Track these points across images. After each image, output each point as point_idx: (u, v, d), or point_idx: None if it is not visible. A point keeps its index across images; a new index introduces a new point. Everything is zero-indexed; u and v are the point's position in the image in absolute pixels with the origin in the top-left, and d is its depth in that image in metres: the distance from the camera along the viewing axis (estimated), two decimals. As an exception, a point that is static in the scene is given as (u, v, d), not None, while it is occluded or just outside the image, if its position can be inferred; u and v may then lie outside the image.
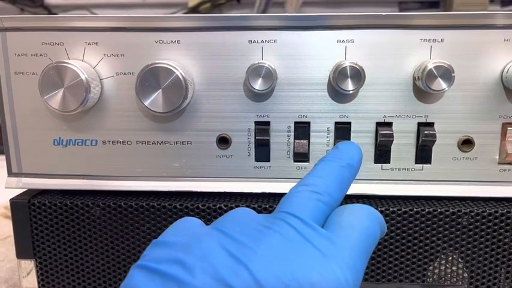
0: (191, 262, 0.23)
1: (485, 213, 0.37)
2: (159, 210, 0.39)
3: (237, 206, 0.38)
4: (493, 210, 0.37)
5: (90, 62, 0.38)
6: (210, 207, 0.38)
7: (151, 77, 0.35)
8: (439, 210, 0.37)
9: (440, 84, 0.34)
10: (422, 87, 0.35)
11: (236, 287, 0.22)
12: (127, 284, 0.24)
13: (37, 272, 0.41)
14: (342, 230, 0.26)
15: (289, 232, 0.25)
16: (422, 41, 0.36)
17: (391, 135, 0.37)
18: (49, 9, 0.99)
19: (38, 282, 0.41)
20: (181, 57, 0.37)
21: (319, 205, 0.27)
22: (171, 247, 0.25)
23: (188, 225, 0.28)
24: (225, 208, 0.38)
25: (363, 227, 0.27)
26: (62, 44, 0.37)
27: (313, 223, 0.26)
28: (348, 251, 0.25)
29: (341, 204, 0.29)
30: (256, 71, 0.35)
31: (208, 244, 0.25)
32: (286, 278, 0.23)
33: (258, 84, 0.35)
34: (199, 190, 0.39)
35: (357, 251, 0.26)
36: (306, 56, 0.37)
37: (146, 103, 0.35)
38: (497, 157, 0.37)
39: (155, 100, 0.35)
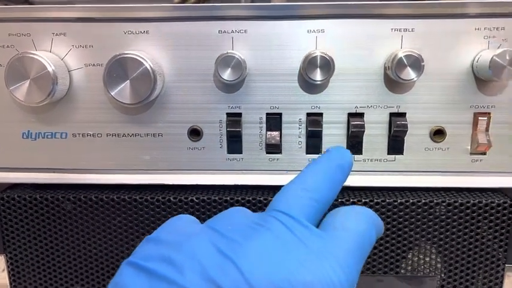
0: (180, 261, 0.23)
1: (457, 203, 0.37)
2: (130, 204, 0.38)
3: (208, 199, 0.38)
4: (465, 200, 0.37)
5: (58, 53, 0.37)
6: (181, 199, 0.38)
7: (119, 68, 0.34)
8: (411, 200, 0.37)
9: (410, 73, 0.34)
10: (392, 76, 0.34)
11: (225, 286, 0.22)
12: (116, 281, 0.24)
13: (8, 267, 0.40)
14: (335, 230, 0.26)
15: (281, 230, 0.25)
16: (393, 30, 0.35)
17: (363, 126, 0.36)
18: (33, 4, 0.98)
19: (9, 278, 0.41)
20: (150, 48, 0.37)
21: (312, 203, 0.27)
22: (161, 244, 0.25)
23: (182, 223, 0.28)
24: (196, 201, 0.38)
25: (359, 230, 0.27)
26: (29, 35, 0.37)
27: (306, 221, 0.26)
28: (342, 251, 0.25)
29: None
30: (224, 61, 0.34)
31: (199, 242, 0.24)
32: (277, 277, 0.22)
33: (227, 75, 0.34)
34: (170, 183, 0.39)
35: (351, 253, 0.25)
36: (277, 47, 0.36)
37: (113, 93, 0.34)
38: (469, 147, 0.37)
39: (122, 91, 0.34)
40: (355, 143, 0.37)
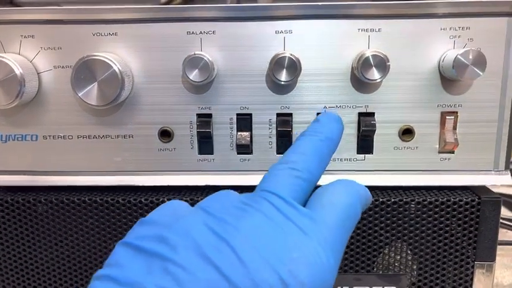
0: (174, 239, 0.23)
1: (426, 202, 0.37)
2: (102, 205, 0.38)
3: (180, 200, 0.38)
4: (434, 198, 0.37)
5: (27, 56, 0.37)
6: (153, 201, 0.38)
7: (86, 70, 0.34)
8: (381, 200, 0.37)
9: (375, 73, 0.34)
10: (359, 76, 0.35)
11: (219, 263, 0.22)
12: (110, 260, 0.24)
13: (-20, 270, 0.40)
14: (322, 208, 0.27)
15: (270, 210, 0.25)
16: (360, 30, 0.36)
17: (331, 126, 0.36)
18: (18, 6, 0.98)
19: (-18, 281, 0.41)
20: (119, 50, 0.37)
21: (299, 182, 0.28)
22: (155, 225, 0.25)
23: (174, 207, 0.28)
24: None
25: (344, 204, 0.27)
26: (-3, 37, 0.37)
27: (294, 201, 0.26)
28: (329, 228, 0.25)
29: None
30: (192, 62, 0.34)
31: (191, 222, 0.25)
32: (268, 255, 0.23)
33: (194, 76, 0.34)
34: (142, 184, 0.39)
35: (338, 229, 0.26)
36: (246, 47, 0.36)
37: (80, 94, 0.34)
38: (438, 146, 0.37)
39: (90, 92, 0.34)
40: (324, 142, 0.37)
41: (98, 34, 0.36)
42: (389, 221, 0.38)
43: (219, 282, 0.22)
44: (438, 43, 0.36)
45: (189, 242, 0.23)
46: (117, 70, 0.34)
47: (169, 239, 0.24)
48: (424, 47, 0.36)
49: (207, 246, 0.23)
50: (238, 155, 0.38)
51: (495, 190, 0.39)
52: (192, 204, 0.28)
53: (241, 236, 0.24)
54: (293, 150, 0.30)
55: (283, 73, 0.34)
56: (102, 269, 0.24)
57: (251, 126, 0.38)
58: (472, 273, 0.38)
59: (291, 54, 0.34)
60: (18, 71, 0.35)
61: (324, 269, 0.24)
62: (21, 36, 0.37)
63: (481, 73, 0.33)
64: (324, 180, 0.38)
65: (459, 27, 0.35)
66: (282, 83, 0.34)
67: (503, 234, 0.60)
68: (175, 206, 0.28)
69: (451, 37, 0.35)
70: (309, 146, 0.30)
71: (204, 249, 0.23)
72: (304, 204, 0.27)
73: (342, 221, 0.26)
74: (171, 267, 0.22)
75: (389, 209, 0.37)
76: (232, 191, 0.29)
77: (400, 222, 0.38)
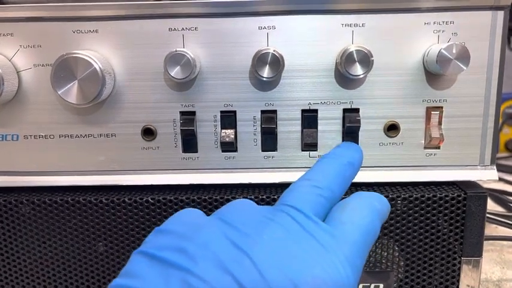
0: (193, 250, 0.23)
1: (412, 198, 0.37)
2: (85, 205, 0.38)
3: (164, 199, 0.37)
4: (420, 194, 0.37)
5: (6, 54, 0.36)
6: (136, 200, 0.37)
7: (66, 68, 0.34)
8: (367, 196, 0.37)
9: (358, 69, 0.34)
10: (342, 72, 0.34)
11: (239, 276, 0.22)
12: (127, 270, 0.24)
13: (-38, 273, 0.40)
14: (343, 225, 0.26)
15: (291, 225, 0.25)
16: (344, 26, 0.35)
17: (316, 122, 0.36)
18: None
19: (-35, 284, 0.40)
20: (100, 47, 0.36)
21: (321, 200, 0.27)
22: (173, 235, 0.25)
23: (190, 216, 0.28)
24: (152, 201, 0.37)
25: (364, 222, 0.27)
26: (-25, 35, 0.36)
27: (315, 217, 0.26)
28: (349, 246, 0.25)
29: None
30: (173, 59, 0.34)
31: (211, 233, 0.24)
32: (289, 270, 0.23)
33: (176, 73, 0.34)
34: (125, 184, 0.38)
35: (358, 247, 0.26)
36: (229, 44, 0.36)
37: (60, 92, 0.34)
38: (423, 141, 0.37)
39: (70, 91, 0.34)
40: (308, 139, 0.37)
41: (79, 31, 0.36)
42: (376, 218, 0.37)
43: None
44: (422, 38, 0.35)
45: (209, 254, 0.23)
46: (97, 68, 0.34)
47: (189, 250, 0.23)
48: (408, 41, 0.35)
49: (227, 259, 0.23)
50: (223, 153, 0.38)
51: (485, 186, 0.39)
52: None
53: (262, 249, 0.23)
54: (315, 170, 0.29)
55: (266, 69, 0.34)
56: (120, 278, 0.23)
57: (235, 123, 0.37)
58: (459, 268, 0.38)
59: (274, 50, 0.34)
60: (-4, 69, 0.34)
61: (344, 286, 0.24)
62: (0, 34, 0.36)
63: (465, 67, 0.33)
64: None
65: (443, 22, 0.35)
66: (265, 79, 0.34)
67: (493, 230, 0.60)
68: (192, 215, 0.28)
69: (435, 31, 0.35)
70: (331, 167, 0.29)
71: (224, 261, 0.22)
72: (324, 220, 0.27)
73: (362, 238, 0.26)
74: (190, 279, 0.22)
75: (375, 205, 0.37)
76: (249, 201, 0.29)
77: (387, 218, 0.37)
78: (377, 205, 0.29)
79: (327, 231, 0.25)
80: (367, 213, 0.28)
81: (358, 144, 0.37)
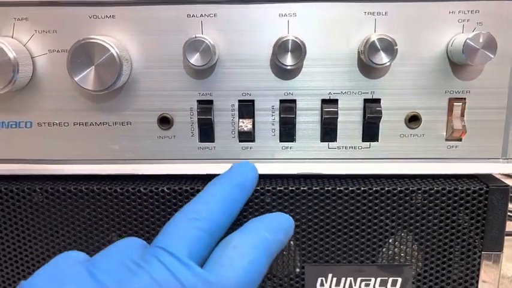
0: None
1: (432, 191, 0.36)
2: (99, 195, 0.37)
3: (180, 189, 0.37)
4: (441, 187, 0.36)
5: (20, 39, 0.35)
6: (152, 190, 0.37)
7: (83, 53, 0.33)
8: (387, 188, 0.36)
9: (383, 57, 0.33)
10: (365, 61, 0.34)
11: None
12: None
13: (-27, 262, 0.39)
14: (221, 269, 0.25)
15: (160, 272, 0.24)
16: (367, 14, 0.35)
17: (336, 113, 0.35)
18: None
19: (-24, 273, 0.40)
20: (117, 33, 0.35)
21: (200, 235, 0.26)
22: None
23: (65, 264, 0.26)
24: (167, 191, 0.37)
25: (245, 263, 0.26)
26: (-11, 20, 0.35)
27: (189, 261, 0.25)
28: None
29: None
30: (193, 45, 0.33)
31: None
32: None
33: (195, 60, 0.33)
34: (140, 173, 0.37)
35: None
36: (248, 31, 0.35)
37: (77, 79, 0.33)
38: (445, 133, 0.36)
39: (87, 77, 0.33)
40: (329, 130, 0.36)
41: (95, 17, 0.35)
42: (396, 210, 0.37)
43: None
44: (446, 27, 0.35)
45: None
46: (115, 54, 0.33)
47: None
48: (432, 31, 0.35)
49: None
50: (240, 143, 0.37)
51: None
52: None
53: None
54: (198, 200, 0.28)
55: (288, 57, 0.33)
56: None
57: (253, 113, 0.37)
58: (479, 263, 0.38)
59: (296, 37, 0.33)
60: (11, 54, 0.33)
61: None
62: (14, 18, 0.35)
63: (492, 56, 0.32)
64: (330, 168, 0.37)
65: (468, 11, 0.34)
66: (288, 67, 0.33)
67: (507, 225, 0.59)
68: (67, 263, 0.27)
69: (460, 21, 0.34)
70: (217, 193, 0.28)
71: None
72: (206, 257, 0.26)
73: (243, 280, 0.25)
74: None
75: (395, 198, 0.36)
76: (136, 240, 0.28)
77: (406, 211, 0.37)
78: (267, 236, 0.28)
79: (201, 278, 0.24)
80: (250, 251, 0.27)
81: (378, 136, 0.37)
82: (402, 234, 0.38)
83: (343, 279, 0.38)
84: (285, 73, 0.36)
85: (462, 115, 0.36)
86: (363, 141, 0.37)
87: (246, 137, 0.37)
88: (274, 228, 0.29)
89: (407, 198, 0.36)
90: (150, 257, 0.25)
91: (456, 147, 0.37)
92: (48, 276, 0.26)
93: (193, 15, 0.35)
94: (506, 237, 0.55)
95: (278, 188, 0.36)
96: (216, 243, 0.28)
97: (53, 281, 0.25)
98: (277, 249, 0.29)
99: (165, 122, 0.37)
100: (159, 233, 0.27)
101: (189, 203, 0.28)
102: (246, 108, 0.36)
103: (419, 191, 0.36)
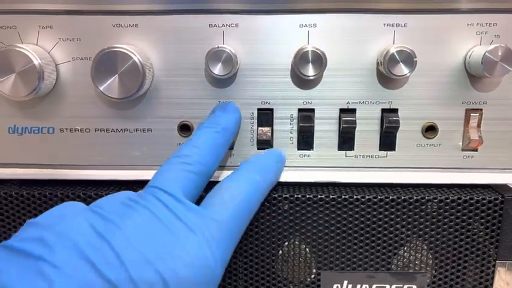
0: (52, 239, 0.23)
1: (448, 200, 0.37)
2: (119, 200, 0.38)
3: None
4: (456, 197, 0.37)
5: (44, 47, 0.36)
6: (171, 196, 0.37)
7: (107, 62, 0.34)
8: (403, 197, 0.37)
9: (402, 69, 0.33)
10: (385, 72, 0.34)
11: (97, 262, 0.22)
12: None
13: (-6, 264, 0.40)
14: (213, 206, 0.27)
15: (157, 207, 0.26)
16: (386, 25, 0.35)
17: (354, 122, 0.36)
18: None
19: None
20: (139, 42, 0.36)
21: (191, 176, 0.28)
22: (37, 227, 0.25)
23: (64, 208, 0.28)
24: (187, 197, 0.37)
25: (236, 201, 0.28)
26: (14, 27, 0.36)
27: (183, 198, 0.27)
28: (218, 225, 0.26)
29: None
30: (215, 55, 0.34)
31: (74, 222, 0.25)
32: (149, 254, 0.23)
33: (218, 69, 0.34)
34: (160, 179, 0.38)
35: (228, 226, 0.26)
36: (269, 41, 0.36)
37: (101, 88, 0.34)
38: (461, 143, 0.37)
39: (111, 85, 0.34)
40: (346, 139, 0.37)
41: (118, 25, 0.36)
42: (411, 219, 0.37)
43: (95, 280, 0.22)
44: (464, 39, 0.35)
45: (68, 242, 0.23)
46: (137, 62, 0.34)
47: (48, 239, 0.23)
48: (450, 42, 0.35)
49: (86, 246, 0.23)
50: (259, 151, 0.38)
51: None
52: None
53: (122, 234, 0.24)
54: (188, 144, 0.30)
55: (309, 67, 0.34)
56: None
57: (272, 121, 0.37)
58: (493, 272, 0.38)
59: (317, 48, 0.34)
60: (36, 61, 0.34)
61: (208, 264, 0.25)
62: (39, 26, 0.36)
63: (511, 69, 0.33)
64: (347, 177, 0.38)
65: (486, 23, 0.35)
66: (310, 77, 0.34)
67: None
68: (66, 208, 0.28)
69: (478, 33, 0.35)
70: (204, 138, 0.30)
71: (82, 248, 0.23)
72: (199, 199, 0.28)
73: (233, 216, 0.27)
74: (45, 267, 0.22)
75: (411, 206, 0.37)
76: (130, 191, 0.29)
77: (422, 220, 0.37)
78: (257, 178, 0.30)
79: (195, 212, 0.26)
80: (241, 191, 0.29)
81: (395, 145, 0.37)
82: (417, 242, 0.38)
83: (358, 286, 0.39)
84: (304, 82, 0.36)
85: (479, 126, 0.36)
86: (379, 150, 0.37)
87: (265, 145, 0.37)
88: (264, 170, 0.32)
89: (423, 207, 0.37)
90: (148, 195, 0.27)
91: (472, 157, 0.37)
92: (50, 215, 0.27)
93: (215, 25, 0.35)
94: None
95: (296, 196, 0.37)
96: (205, 184, 0.30)
97: (55, 218, 0.26)
98: (268, 189, 0.32)
99: (185, 129, 0.37)
100: (153, 176, 0.29)
101: (179, 149, 0.31)
102: (265, 117, 0.37)
103: (435, 200, 0.37)
